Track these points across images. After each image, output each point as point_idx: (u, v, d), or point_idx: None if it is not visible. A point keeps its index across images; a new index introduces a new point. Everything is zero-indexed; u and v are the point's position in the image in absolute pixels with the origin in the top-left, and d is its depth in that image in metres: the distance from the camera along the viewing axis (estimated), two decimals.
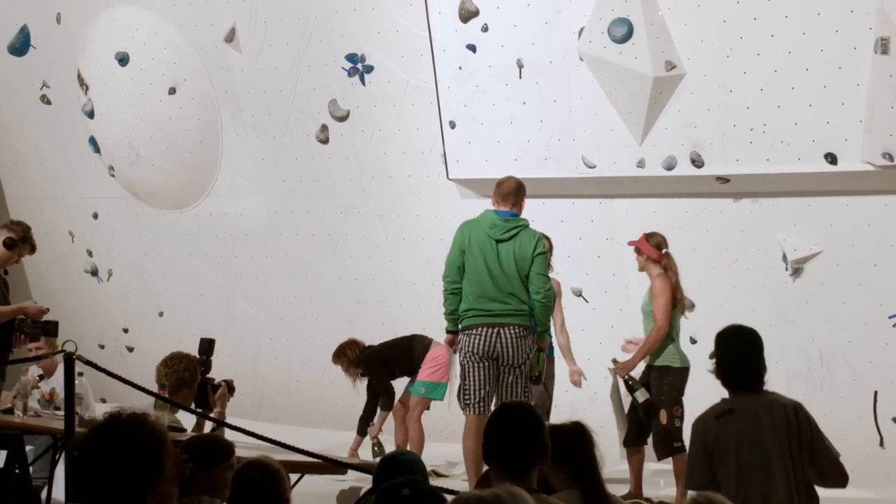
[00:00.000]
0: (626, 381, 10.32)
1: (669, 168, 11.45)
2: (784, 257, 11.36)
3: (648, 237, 10.43)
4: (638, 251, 10.42)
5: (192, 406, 8.40)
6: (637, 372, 10.40)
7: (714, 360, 6.37)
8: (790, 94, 10.77)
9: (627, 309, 11.68)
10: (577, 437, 5.94)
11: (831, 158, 10.68)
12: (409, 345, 11.76)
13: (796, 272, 11.38)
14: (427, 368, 11.54)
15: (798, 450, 6.16)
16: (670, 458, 10.08)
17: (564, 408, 10.98)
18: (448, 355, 11.26)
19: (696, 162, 11.32)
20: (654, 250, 10.33)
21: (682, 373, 10.08)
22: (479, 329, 9.77)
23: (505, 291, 9.72)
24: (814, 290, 11.30)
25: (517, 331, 9.72)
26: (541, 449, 5.28)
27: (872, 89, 10.36)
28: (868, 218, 11.05)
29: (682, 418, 9.96)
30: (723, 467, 6.13)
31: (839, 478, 6.30)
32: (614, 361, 10.46)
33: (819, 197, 11.20)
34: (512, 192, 9.93)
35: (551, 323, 10.21)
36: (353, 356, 11.86)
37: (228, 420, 8.69)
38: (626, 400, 10.53)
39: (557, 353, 11.14)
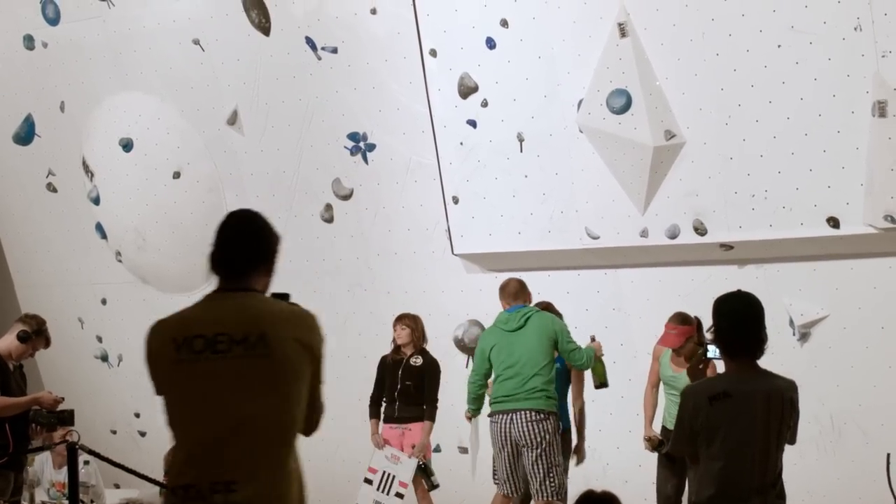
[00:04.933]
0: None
1: (673, 237, 11.45)
2: (791, 322, 11.32)
3: (686, 322, 10.28)
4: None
5: None
6: None
7: (712, 329, 6.18)
8: (790, 159, 10.78)
9: (637, 379, 11.61)
10: None
11: (834, 222, 10.67)
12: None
13: (804, 337, 11.34)
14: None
15: (782, 435, 6.07)
16: None
17: (577, 479, 10.89)
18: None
19: (699, 230, 11.31)
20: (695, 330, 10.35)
21: None
22: (497, 416, 10.30)
23: (528, 374, 10.19)
24: (822, 354, 11.25)
25: (529, 415, 10.14)
26: None
27: (872, 152, 10.36)
28: (873, 280, 11.02)
29: None
30: (709, 449, 6.00)
31: (790, 441, 6.21)
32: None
33: (823, 261, 11.17)
34: (519, 291, 10.61)
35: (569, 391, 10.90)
36: (423, 331, 11.72)
37: None
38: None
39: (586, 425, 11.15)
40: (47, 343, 10.02)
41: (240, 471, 4.57)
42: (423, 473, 11.33)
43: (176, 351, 4.67)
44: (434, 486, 11.36)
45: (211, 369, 4.64)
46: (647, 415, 10.71)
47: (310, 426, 4.86)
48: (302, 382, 4.72)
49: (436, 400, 11.43)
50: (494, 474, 10.57)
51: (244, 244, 4.87)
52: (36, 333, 9.83)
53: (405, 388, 11.46)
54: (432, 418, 11.41)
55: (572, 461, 11.02)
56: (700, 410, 6.02)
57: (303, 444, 13.92)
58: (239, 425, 4.61)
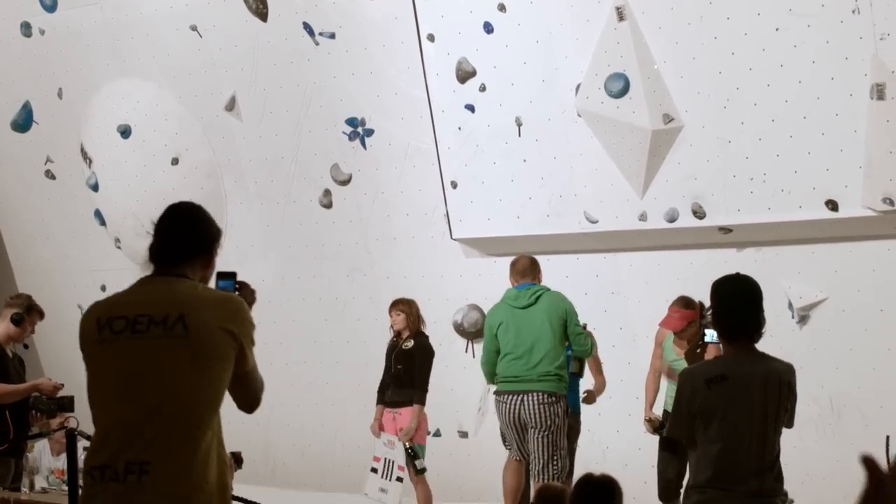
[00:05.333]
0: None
1: (671, 220, 11.45)
2: (790, 305, 11.33)
3: (689, 306, 10.19)
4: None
5: None
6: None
7: (710, 311, 6.20)
8: (789, 142, 10.78)
9: (636, 362, 11.64)
10: (608, 489, 6.00)
11: (832, 205, 10.67)
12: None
13: (803, 319, 11.35)
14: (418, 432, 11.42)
15: (780, 418, 6.07)
16: None
17: (577, 463, 10.92)
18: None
19: (698, 213, 11.31)
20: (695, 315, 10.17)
21: None
22: (506, 396, 10.18)
23: (538, 355, 10.07)
24: (821, 337, 11.26)
25: (541, 397, 10.05)
26: None
27: (870, 135, 10.37)
28: (872, 263, 11.02)
29: None
30: (706, 433, 5.99)
31: (787, 425, 6.21)
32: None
33: (822, 244, 11.18)
34: (529, 268, 10.46)
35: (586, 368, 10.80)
36: (418, 315, 11.58)
37: (241, 487, 8.65)
38: None
39: (584, 408, 11.12)
40: (41, 315, 10.02)
41: (154, 452, 4.59)
42: (409, 458, 11.20)
43: (98, 332, 4.77)
44: (420, 471, 11.21)
45: (129, 350, 4.71)
46: (648, 398, 10.71)
47: (246, 404, 4.96)
48: (222, 365, 4.76)
49: (425, 383, 11.28)
50: (504, 442, 10.49)
51: (179, 237, 4.95)
52: (27, 311, 9.84)
53: (396, 371, 11.38)
54: (421, 402, 11.25)
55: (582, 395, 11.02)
56: (697, 393, 6.02)
57: (304, 430, 13.92)
58: (155, 406, 4.64)
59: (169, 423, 4.63)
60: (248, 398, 4.93)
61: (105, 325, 4.76)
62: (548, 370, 10.03)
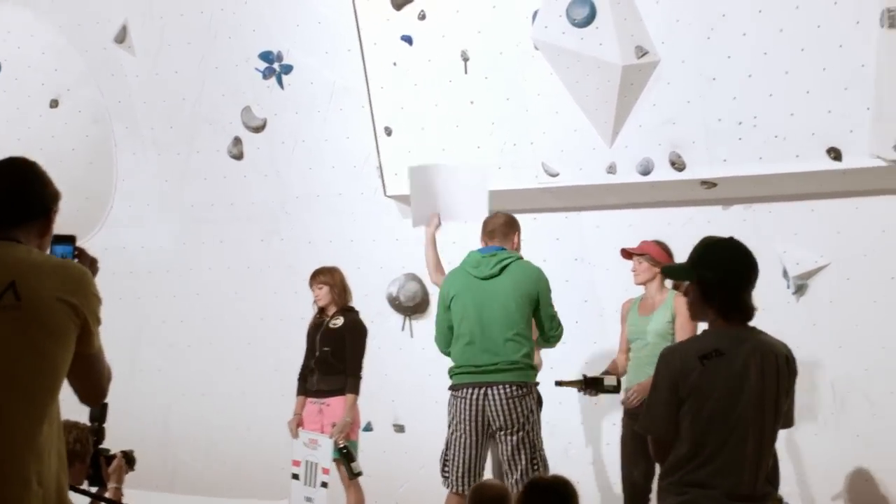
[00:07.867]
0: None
1: (645, 173, 11.44)
2: (785, 273, 11.37)
3: (659, 244, 10.22)
4: (652, 261, 10.18)
5: (85, 484, 8.29)
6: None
7: (697, 281, 5.99)
8: (783, 79, 10.79)
9: (603, 342, 11.64)
10: (562, 493, 5.94)
11: (835, 154, 10.69)
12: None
13: (800, 289, 11.39)
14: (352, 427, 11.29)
15: (779, 404, 5.94)
16: None
17: None
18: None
19: (677, 164, 11.31)
20: (669, 260, 10.08)
21: None
22: (465, 390, 9.75)
23: (500, 339, 9.70)
24: (821, 311, 11.30)
25: (510, 390, 9.64)
26: None
27: (880, 70, 10.37)
28: (881, 222, 11.07)
29: None
30: (694, 421, 5.85)
31: (786, 423, 6.10)
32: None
33: (823, 200, 11.22)
34: (500, 228, 10.03)
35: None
36: (344, 286, 11.48)
37: (134, 494, 8.59)
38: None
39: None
40: None
41: None
42: (344, 459, 11.03)
43: None
44: (356, 475, 11.05)
45: None
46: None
47: (89, 394, 4.91)
48: (61, 344, 4.70)
49: (359, 368, 11.21)
50: (444, 467, 9.92)
51: (10, 198, 4.91)
52: None
53: (323, 355, 11.25)
54: (354, 390, 11.17)
55: None
56: (690, 372, 5.84)
57: (210, 425, 13.80)
58: None
59: None
60: (92, 387, 4.87)
61: None
62: (513, 358, 9.72)
